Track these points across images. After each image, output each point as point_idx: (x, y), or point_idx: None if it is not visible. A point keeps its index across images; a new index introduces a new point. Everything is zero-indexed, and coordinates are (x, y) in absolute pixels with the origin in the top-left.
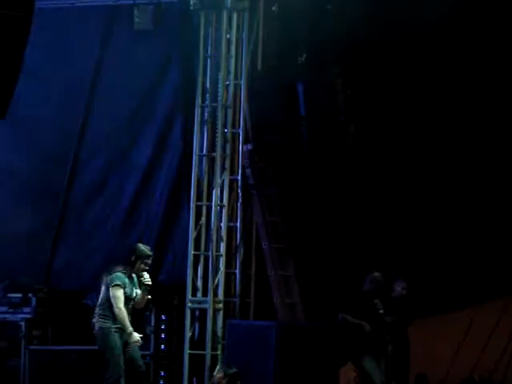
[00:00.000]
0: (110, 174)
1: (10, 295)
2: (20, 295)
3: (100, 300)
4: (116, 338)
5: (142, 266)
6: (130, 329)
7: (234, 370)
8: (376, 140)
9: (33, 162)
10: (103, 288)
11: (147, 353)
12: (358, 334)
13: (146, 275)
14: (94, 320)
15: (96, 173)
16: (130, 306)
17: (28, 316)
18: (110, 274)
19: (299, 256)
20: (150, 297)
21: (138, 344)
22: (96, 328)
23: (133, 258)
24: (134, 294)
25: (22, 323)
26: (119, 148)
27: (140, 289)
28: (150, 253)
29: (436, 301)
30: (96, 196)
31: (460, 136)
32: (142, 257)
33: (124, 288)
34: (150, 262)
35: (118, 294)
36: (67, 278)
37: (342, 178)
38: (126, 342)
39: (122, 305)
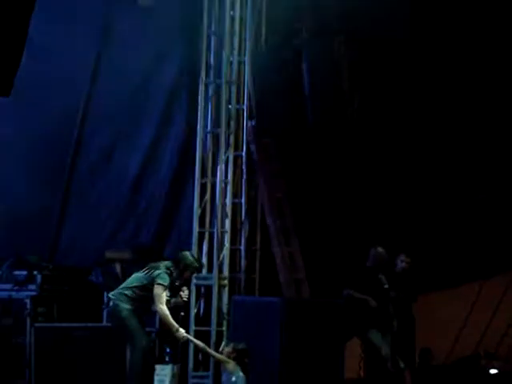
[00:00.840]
0: (115, 150)
1: (15, 272)
2: (25, 272)
3: (130, 282)
4: (129, 315)
5: (190, 275)
6: (176, 326)
7: (244, 346)
8: (381, 113)
9: (37, 139)
10: (141, 275)
11: (153, 329)
12: (364, 310)
13: (186, 292)
14: (110, 295)
15: (100, 149)
16: None
17: (33, 293)
18: (158, 268)
19: (304, 231)
20: (182, 314)
21: (183, 339)
22: (111, 304)
23: (181, 267)
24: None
25: (27, 300)
26: (123, 124)
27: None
28: (198, 264)
29: (441, 276)
30: (100, 173)
31: (470, 108)
32: (191, 268)
33: (167, 290)
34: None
35: (163, 294)
36: (72, 255)
37: (347, 153)
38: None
39: (164, 305)
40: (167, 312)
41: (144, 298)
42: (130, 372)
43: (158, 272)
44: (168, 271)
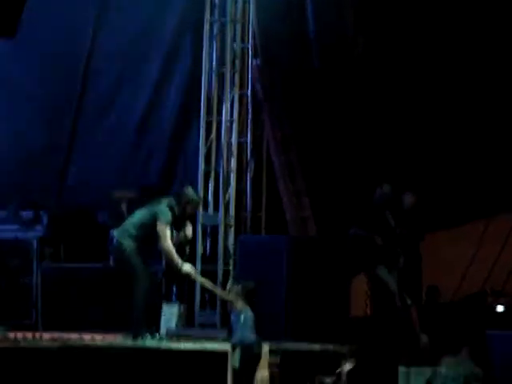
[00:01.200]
0: (121, 89)
1: (21, 213)
2: (32, 213)
3: (132, 220)
4: (134, 254)
5: (192, 210)
6: (181, 262)
7: (253, 284)
8: (385, 52)
9: (43, 78)
10: (143, 212)
11: (159, 269)
12: (370, 247)
13: (189, 229)
14: (114, 233)
15: (106, 88)
16: None
17: (40, 234)
18: (159, 205)
19: (310, 169)
20: (188, 250)
21: (192, 274)
22: (114, 242)
23: (182, 202)
24: None
25: (34, 241)
26: (129, 63)
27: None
28: (200, 199)
29: (448, 213)
30: (107, 112)
31: (473, 48)
32: (193, 203)
33: (170, 226)
34: (199, 207)
35: (166, 231)
36: (79, 195)
37: (352, 91)
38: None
39: (168, 241)
40: (172, 248)
41: (147, 235)
42: (134, 312)
43: (159, 209)
44: (169, 207)
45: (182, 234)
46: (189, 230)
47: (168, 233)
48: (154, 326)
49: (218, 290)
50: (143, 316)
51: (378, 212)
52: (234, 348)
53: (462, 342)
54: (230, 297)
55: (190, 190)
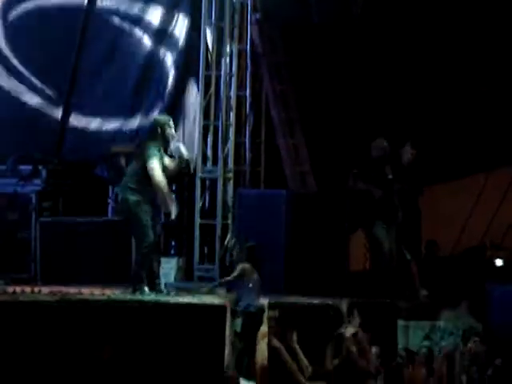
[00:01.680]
0: (119, 44)
1: (20, 167)
2: (30, 167)
3: (129, 174)
4: (141, 209)
5: (171, 130)
6: (172, 196)
7: (251, 242)
8: (385, 7)
9: (41, 35)
10: (134, 164)
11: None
12: (369, 201)
13: (182, 147)
14: (118, 190)
15: (105, 43)
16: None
17: (38, 188)
18: (144, 147)
19: (309, 124)
20: (192, 170)
21: (173, 215)
22: (120, 198)
23: (159, 130)
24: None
25: (33, 195)
26: (128, 18)
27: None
28: (168, 116)
29: (448, 166)
30: (106, 66)
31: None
32: (166, 124)
33: (159, 161)
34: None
35: (157, 168)
36: (77, 150)
37: (351, 47)
38: (153, 217)
39: (161, 177)
40: (165, 185)
41: (146, 184)
42: (136, 266)
43: (146, 155)
44: (154, 146)
45: (176, 158)
46: (182, 151)
47: (159, 168)
48: (156, 280)
49: (221, 280)
50: (144, 270)
51: (376, 166)
52: (237, 314)
53: (461, 295)
54: (238, 273)
55: (156, 117)
